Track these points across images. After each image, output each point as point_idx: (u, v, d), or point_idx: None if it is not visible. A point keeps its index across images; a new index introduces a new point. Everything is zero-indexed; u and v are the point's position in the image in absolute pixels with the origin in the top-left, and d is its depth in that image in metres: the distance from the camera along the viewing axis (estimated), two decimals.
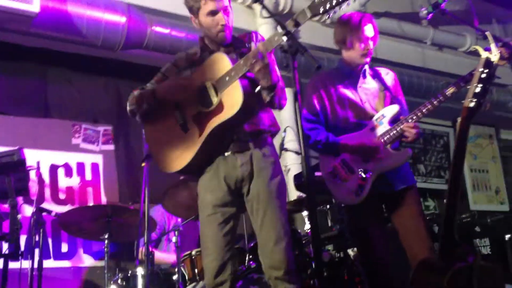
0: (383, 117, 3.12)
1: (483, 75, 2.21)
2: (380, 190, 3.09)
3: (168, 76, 2.90)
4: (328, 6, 2.32)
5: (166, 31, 4.79)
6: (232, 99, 2.58)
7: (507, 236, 3.71)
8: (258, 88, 2.64)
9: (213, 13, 2.73)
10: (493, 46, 2.34)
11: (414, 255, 2.93)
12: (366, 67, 3.25)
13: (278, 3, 5.74)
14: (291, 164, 5.42)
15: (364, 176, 3.07)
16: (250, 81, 2.65)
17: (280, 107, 2.77)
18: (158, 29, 4.75)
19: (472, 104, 2.23)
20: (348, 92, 3.20)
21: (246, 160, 2.70)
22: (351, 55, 3.19)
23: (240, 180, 2.71)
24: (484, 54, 2.23)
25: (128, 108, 2.90)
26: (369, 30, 3.13)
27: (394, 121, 3.09)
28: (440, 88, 6.35)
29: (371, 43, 3.15)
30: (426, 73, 6.59)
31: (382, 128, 3.10)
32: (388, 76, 3.31)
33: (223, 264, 2.65)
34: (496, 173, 7.88)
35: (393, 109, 3.13)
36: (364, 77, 3.25)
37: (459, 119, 2.29)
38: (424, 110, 3.02)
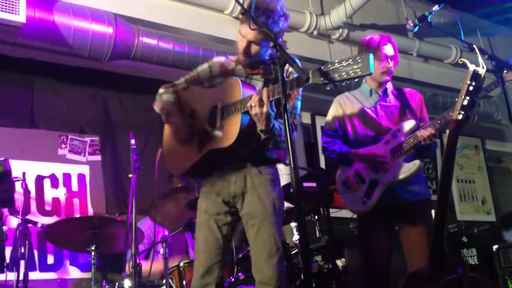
0: (399, 131, 3.28)
1: (471, 88, 2.23)
2: (389, 202, 3.23)
3: (201, 77, 2.95)
4: (330, 79, 2.30)
5: (154, 42, 4.78)
6: (230, 130, 2.63)
7: (495, 247, 3.73)
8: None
9: (243, 36, 2.75)
10: (480, 58, 2.36)
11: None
12: (389, 85, 3.44)
13: None
14: (280, 175, 5.41)
15: (372, 186, 3.23)
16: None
17: (278, 148, 2.76)
18: (146, 39, 4.74)
19: (460, 117, 2.25)
20: (367, 109, 3.40)
21: (240, 177, 2.74)
22: (372, 75, 3.24)
23: (232, 196, 2.75)
24: (471, 67, 2.25)
25: (155, 106, 2.97)
26: (388, 49, 3.32)
27: (409, 135, 3.23)
28: (426, 99, 6.40)
29: (391, 62, 3.33)
30: (413, 84, 6.63)
31: (396, 141, 3.25)
32: (412, 96, 3.47)
33: (211, 266, 2.70)
34: (483, 184, 7.94)
35: (409, 124, 3.28)
36: (386, 95, 3.43)
37: (447, 131, 2.30)
38: (438, 123, 3.13)
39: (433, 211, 3.65)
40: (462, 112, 2.24)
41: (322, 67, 2.32)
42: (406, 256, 3.23)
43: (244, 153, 2.72)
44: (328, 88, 2.34)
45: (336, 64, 2.27)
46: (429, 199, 3.34)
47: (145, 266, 4.08)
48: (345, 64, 2.25)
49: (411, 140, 3.19)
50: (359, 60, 2.22)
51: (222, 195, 2.76)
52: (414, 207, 3.25)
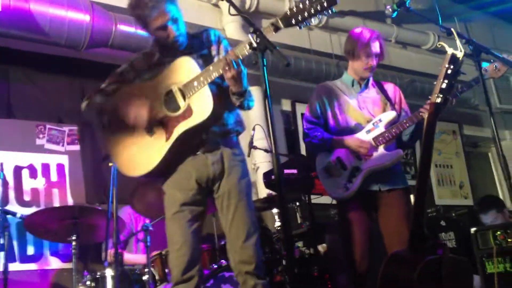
0: (380, 121, 3.36)
1: (449, 71, 2.26)
2: (369, 189, 3.30)
3: (125, 77, 2.87)
4: (300, 18, 2.33)
5: (132, 29, 4.72)
6: (201, 104, 2.61)
7: (473, 229, 3.80)
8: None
9: (163, 28, 2.72)
10: (458, 42, 2.38)
11: None
12: (370, 78, 3.51)
13: (244, 1, 5.74)
14: (260, 162, 5.43)
15: (354, 172, 3.29)
16: (217, 86, 2.68)
17: (249, 108, 2.80)
18: (123, 27, 4.69)
19: (438, 100, 2.27)
20: (348, 99, 3.45)
21: (216, 159, 2.73)
22: (355, 67, 3.45)
23: (211, 178, 2.74)
24: (449, 50, 2.27)
25: (85, 116, 2.89)
26: (376, 47, 3.37)
27: (390, 125, 3.32)
28: (404, 85, 6.46)
29: (375, 59, 3.39)
30: (391, 71, 6.69)
31: (378, 130, 3.33)
32: (391, 88, 3.56)
33: (192, 260, 2.68)
34: (460, 168, 8.05)
35: (390, 114, 3.37)
36: (366, 87, 3.50)
37: (425, 115, 2.32)
38: (419, 115, 3.22)
39: (412, 197, 3.72)
40: (441, 96, 2.27)
41: (287, 12, 2.34)
42: (385, 243, 3.27)
43: (217, 127, 2.71)
44: (300, 28, 2.35)
45: (301, 3, 2.30)
46: (408, 188, 3.40)
47: (126, 255, 4.08)
48: (308, 2, 2.28)
49: (392, 133, 3.28)
50: None
51: (198, 179, 2.73)
52: (394, 194, 3.31)
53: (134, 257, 4.28)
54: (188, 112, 2.64)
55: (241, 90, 2.63)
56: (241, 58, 2.53)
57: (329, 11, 2.30)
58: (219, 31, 2.95)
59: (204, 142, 2.74)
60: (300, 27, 2.39)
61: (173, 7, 2.74)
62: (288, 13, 2.35)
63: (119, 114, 2.75)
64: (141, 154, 2.75)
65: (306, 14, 2.30)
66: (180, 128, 2.65)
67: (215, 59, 2.79)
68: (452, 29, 2.78)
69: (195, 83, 2.61)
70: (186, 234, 2.69)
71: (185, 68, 2.66)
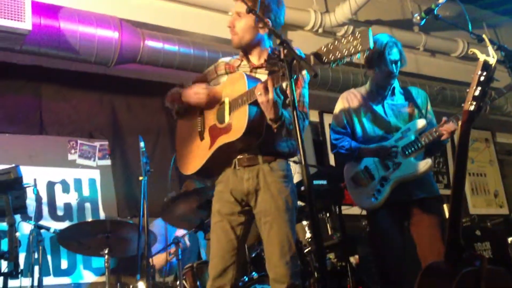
0: (409, 130, 3.29)
1: (482, 78, 2.21)
2: (399, 198, 3.23)
3: (207, 77, 2.96)
4: (332, 58, 2.32)
5: (159, 45, 4.78)
6: (238, 123, 2.62)
7: (510, 239, 3.70)
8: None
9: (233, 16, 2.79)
10: (490, 48, 2.34)
11: None
12: (396, 84, 3.43)
13: None
14: None
15: (382, 182, 3.24)
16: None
17: (290, 135, 2.73)
18: (151, 43, 4.75)
19: (472, 107, 2.22)
20: (375, 107, 3.39)
21: (253, 174, 2.72)
22: (376, 76, 3.38)
23: (245, 194, 2.73)
24: (482, 57, 2.22)
25: (166, 103, 2.95)
26: (393, 54, 3.29)
27: (419, 134, 3.25)
28: (434, 93, 6.37)
29: (394, 66, 3.31)
30: (420, 79, 6.60)
31: (407, 140, 3.27)
32: (419, 95, 3.47)
33: (225, 268, 2.67)
34: (494, 177, 7.89)
35: (420, 123, 3.30)
36: (394, 94, 3.42)
37: (459, 123, 2.28)
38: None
39: (445, 206, 3.65)
40: (474, 103, 2.22)
41: (322, 47, 2.33)
42: (418, 252, 3.20)
43: (255, 147, 2.69)
44: (332, 67, 2.34)
45: (335, 43, 2.28)
46: (440, 197, 3.33)
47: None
48: (344, 41, 2.26)
49: (421, 142, 3.21)
50: (358, 36, 2.23)
51: (235, 193, 2.74)
52: (425, 204, 3.24)
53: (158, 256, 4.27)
54: (229, 127, 2.67)
55: (275, 118, 2.57)
56: (275, 86, 2.52)
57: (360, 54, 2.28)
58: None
59: (244, 157, 2.73)
60: (331, 66, 2.36)
61: (242, 4, 2.68)
62: (323, 50, 2.34)
63: (185, 99, 2.82)
64: (191, 154, 2.85)
65: (338, 54, 2.28)
66: (220, 141, 2.69)
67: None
68: (484, 36, 2.73)
69: (240, 101, 2.63)
70: (222, 243, 2.70)
71: (237, 83, 2.68)
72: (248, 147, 2.70)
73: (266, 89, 2.49)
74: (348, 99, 3.47)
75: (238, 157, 2.73)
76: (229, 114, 2.68)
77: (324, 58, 2.33)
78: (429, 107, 3.46)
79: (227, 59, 2.95)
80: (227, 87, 2.75)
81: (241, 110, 2.61)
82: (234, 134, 2.62)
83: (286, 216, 2.68)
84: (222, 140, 2.67)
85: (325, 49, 2.32)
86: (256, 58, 2.83)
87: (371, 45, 2.18)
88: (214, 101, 2.78)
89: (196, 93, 2.78)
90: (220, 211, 2.74)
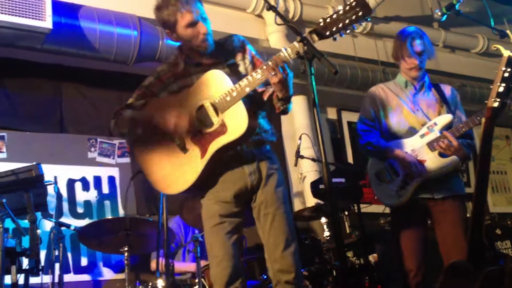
0: (435, 125, 3.25)
1: (506, 74, 2.18)
2: (423, 196, 3.21)
3: (152, 90, 2.81)
4: (334, 29, 2.32)
5: (178, 42, 4.78)
6: (236, 120, 2.56)
7: None
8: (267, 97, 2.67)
9: (192, 24, 2.68)
10: None
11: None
12: (426, 79, 3.41)
13: (288, 10, 5.75)
14: (307, 171, 5.39)
15: (407, 179, 3.20)
16: (250, 98, 2.62)
17: (287, 113, 2.77)
18: (170, 41, 4.75)
19: (496, 104, 2.20)
20: (402, 101, 3.37)
21: (253, 169, 2.70)
22: (402, 68, 3.39)
23: (249, 189, 2.71)
24: (505, 53, 2.19)
25: (117, 130, 2.80)
26: (416, 45, 3.26)
27: (446, 129, 3.21)
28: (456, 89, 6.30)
29: (418, 57, 3.27)
30: (440, 76, 6.54)
31: (433, 135, 3.23)
32: (449, 91, 3.43)
33: (235, 272, 2.64)
34: None
35: (446, 118, 3.26)
36: (423, 88, 3.39)
37: (482, 120, 2.25)
38: (476, 120, 3.11)
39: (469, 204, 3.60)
40: (498, 100, 2.19)
41: (320, 22, 2.32)
42: (441, 251, 3.19)
43: (251, 140, 2.68)
44: (335, 40, 2.32)
45: (333, 15, 2.28)
46: (464, 195, 3.29)
47: (176, 264, 4.11)
48: (341, 12, 2.25)
49: (449, 134, 3.15)
50: (354, 4, 2.23)
51: (237, 191, 2.68)
52: (449, 202, 3.21)
53: (183, 265, 4.30)
54: (223, 128, 2.59)
55: (288, 96, 2.59)
56: (287, 63, 2.50)
57: (364, 21, 2.26)
58: (242, 36, 2.93)
59: (239, 155, 2.69)
60: (334, 39, 2.35)
61: (201, 7, 2.73)
62: (322, 24, 2.32)
63: (156, 123, 2.68)
64: (176, 172, 2.70)
65: (340, 25, 2.27)
66: (215, 145, 2.60)
67: (241, 67, 2.78)
68: (508, 31, 2.69)
69: (228, 98, 2.56)
70: (227, 246, 2.64)
71: (216, 82, 2.61)
72: (245, 143, 2.67)
73: (277, 68, 2.46)
74: (376, 93, 3.46)
75: (236, 155, 2.69)
76: (216, 115, 2.60)
77: (327, 32, 2.32)
78: (458, 103, 3.42)
79: (164, 66, 2.86)
80: (200, 90, 2.64)
81: (236, 108, 2.55)
82: (234, 133, 2.56)
83: (286, 207, 2.71)
84: (220, 142, 2.59)
85: (323, 23, 2.32)
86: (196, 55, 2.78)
87: (372, 9, 2.18)
88: (183, 110, 2.65)
89: (177, 125, 2.63)
90: (220, 213, 2.68)
